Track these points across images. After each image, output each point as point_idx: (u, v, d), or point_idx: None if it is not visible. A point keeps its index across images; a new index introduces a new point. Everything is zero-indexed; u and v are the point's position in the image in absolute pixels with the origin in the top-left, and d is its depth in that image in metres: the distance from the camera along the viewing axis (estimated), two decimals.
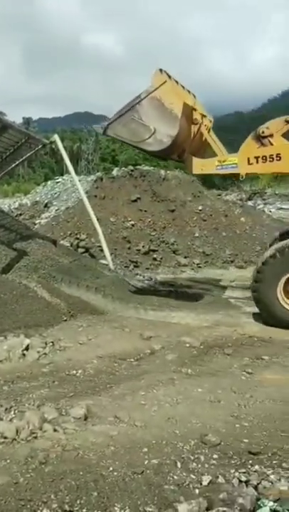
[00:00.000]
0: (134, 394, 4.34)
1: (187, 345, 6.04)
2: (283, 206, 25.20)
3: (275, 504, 2.70)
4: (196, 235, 15.10)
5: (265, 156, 7.50)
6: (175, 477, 2.99)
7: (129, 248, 13.59)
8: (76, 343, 5.97)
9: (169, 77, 7.70)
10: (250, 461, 3.21)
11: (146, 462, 3.15)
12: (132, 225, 14.58)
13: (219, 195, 22.78)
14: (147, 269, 12.91)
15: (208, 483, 2.92)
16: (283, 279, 7.04)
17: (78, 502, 2.67)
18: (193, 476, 3.00)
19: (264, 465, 3.17)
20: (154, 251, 13.81)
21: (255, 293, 7.29)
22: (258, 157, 7.54)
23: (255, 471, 3.08)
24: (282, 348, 5.98)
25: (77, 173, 16.41)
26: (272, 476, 3.01)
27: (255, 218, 17.60)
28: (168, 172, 17.66)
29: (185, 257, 13.98)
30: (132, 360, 5.48)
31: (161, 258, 13.66)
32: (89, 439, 3.43)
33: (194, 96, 8.45)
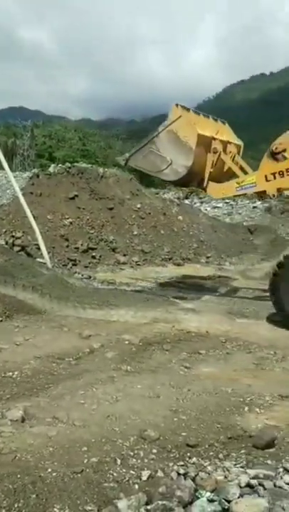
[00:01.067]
0: (73, 393, 4.30)
1: (126, 342, 6.07)
2: (218, 205, 25.91)
3: (212, 494, 2.78)
4: (135, 233, 15.20)
5: (282, 171, 7.72)
6: (115, 474, 3.00)
7: (67, 246, 13.43)
8: (12, 344, 5.82)
9: (188, 110, 8.19)
10: (188, 454, 3.29)
11: (85, 461, 3.13)
12: (70, 223, 14.41)
13: (157, 193, 23.06)
14: (86, 267, 12.82)
15: (148, 478, 2.96)
16: None
17: (16, 506, 2.61)
18: (133, 472, 3.03)
19: (201, 457, 3.25)
20: (92, 249, 13.74)
21: (273, 295, 7.19)
22: (275, 173, 7.76)
23: (193, 464, 3.16)
24: (218, 342, 6.17)
25: (12, 169, 15.98)
26: (209, 467, 3.10)
27: (192, 217, 18.02)
28: (106, 170, 17.61)
29: (124, 255, 14.02)
30: (71, 359, 5.41)
31: (100, 256, 13.61)
32: (27, 441, 3.36)
33: (224, 123, 8.90)
